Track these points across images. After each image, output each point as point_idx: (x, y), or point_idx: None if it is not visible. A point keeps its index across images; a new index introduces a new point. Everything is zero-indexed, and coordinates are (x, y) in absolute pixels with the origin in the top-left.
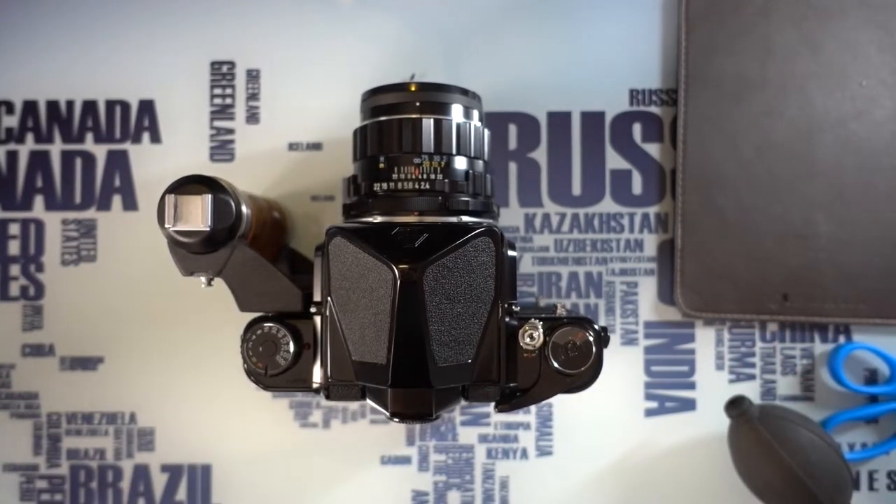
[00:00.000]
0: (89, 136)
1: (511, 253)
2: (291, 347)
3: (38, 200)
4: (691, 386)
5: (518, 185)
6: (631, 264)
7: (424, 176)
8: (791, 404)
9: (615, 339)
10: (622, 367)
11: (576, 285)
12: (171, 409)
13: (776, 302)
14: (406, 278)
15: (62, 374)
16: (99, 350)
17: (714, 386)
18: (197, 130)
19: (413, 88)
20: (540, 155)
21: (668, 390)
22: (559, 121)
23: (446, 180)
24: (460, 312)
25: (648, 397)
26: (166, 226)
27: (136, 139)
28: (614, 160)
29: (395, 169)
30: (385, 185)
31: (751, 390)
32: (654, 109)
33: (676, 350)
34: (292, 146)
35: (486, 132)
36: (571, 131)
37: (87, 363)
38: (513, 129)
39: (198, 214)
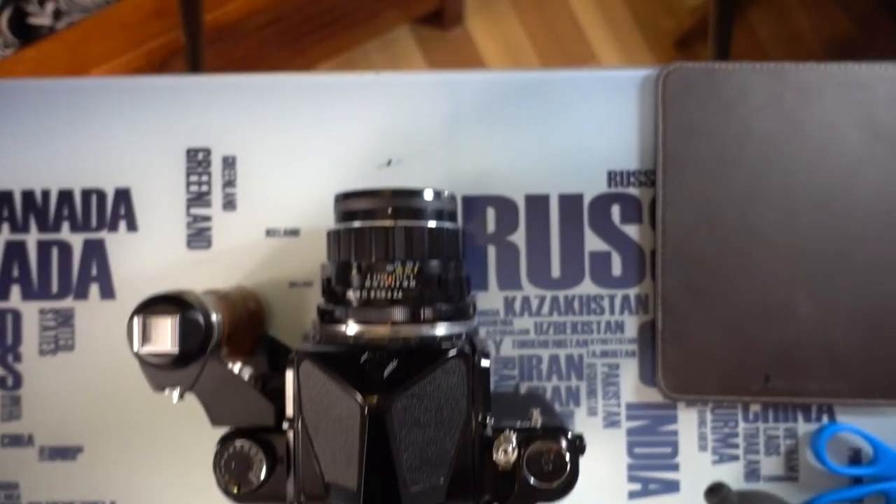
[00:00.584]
0: (65, 226)
1: (484, 363)
2: (264, 465)
3: (15, 290)
4: (675, 468)
5: (497, 269)
6: (612, 346)
7: (397, 283)
8: (775, 485)
9: (597, 421)
10: (605, 449)
11: (557, 368)
12: (151, 499)
13: (758, 383)
14: (374, 411)
15: (42, 464)
16: (78, 440)
17: (698, 467)
18: (173, 218)
19: (385, 194)
20: (519, 238)
21: (651, 472)
22: (537, 203)
23: (419, 287)
24: (431, 437)
25: (632, 479)
26: (135, 349)
27: (113, 228)
28: (593, 242)
29: (369, 276)
30: (358, 294)
31: (734, 471)
32: (632, 191)
33: (659, 431)
34: (270, 232)
35: (461, 230)
36: (550, 214)
37: (66, 453)
38: (491, 213)
39: (166, 336)
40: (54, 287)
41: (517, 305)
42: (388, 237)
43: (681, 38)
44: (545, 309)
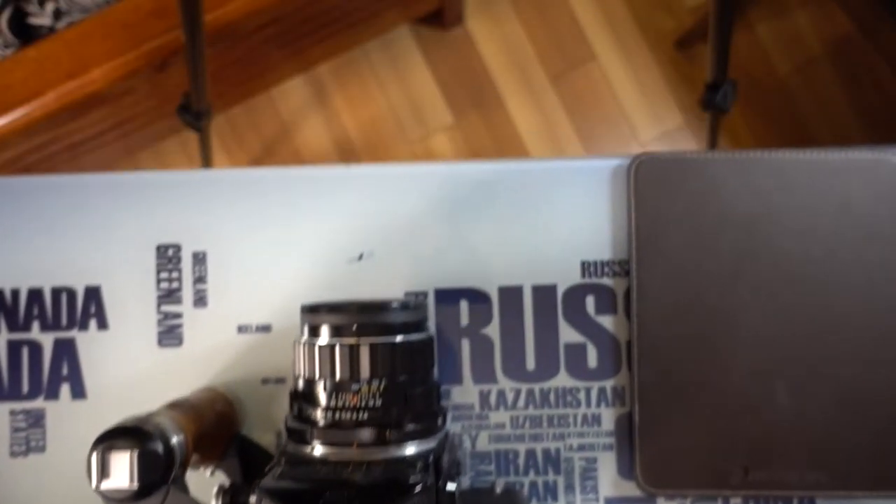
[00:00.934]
0: (35, 325)
1: (450, 487)
2: None
3: None
4: None
5: (471, 362)
6: (589, 440)
7: (363, 403)
8: None
9: None
10: None
11: (534, 462)
12: None
13: (738, 476)
14: None
15: None
16: None
17: None
18: (144, 315)
19: (351, 309)
20: (493, 330)
21: None
22: (511, 295)
23: (385, 406)
24: None
25: None
26: (93, 486)
27: (84, 326)
28: (568, 333)
29: (334, 395)
30: (324, 415)
31: None
32: (606, 281)
33: None
34: (241, 328)
35: (431, 337)
36: (523, 305)
37: None
38: (464, 305)
39: (125, 472)
40: (25, 387)
41: (492, 399)
42: (353, 355)
43: (681, 38)
44: (521, 402)
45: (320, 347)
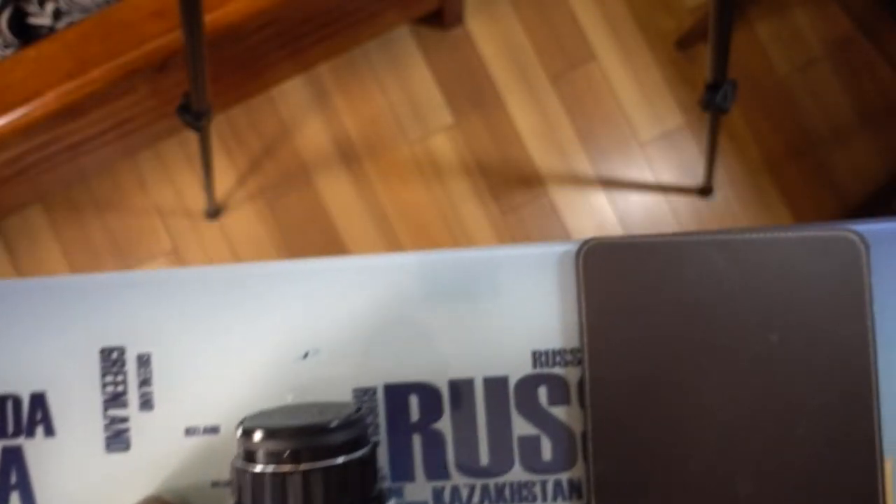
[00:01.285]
0: None
1: None
2: None
3: None
4: None
5: (424, 458)
6: None
7: None
8: None
9: None
10: None
11: None
12: None
13: None
14: None
15: None
16: None
17: None
18: (90, 421)
19: (284, 434)
20: (444, 425)
21: None
22: (462, 388)
23: None
24: None
25: None
26: None
27: (30, 433)
28: (521, 426)
29: None
30: None
31: None
32: (558, 371)
33: None
34: (189, 431)
35: (377, 444)
36: (475, 398)
37: None
38: (414, 401)
39: None
40: None
41: (446, 496)
42: (285, 484)
43: (681, 38)
44: (475, 498)
45: (253, 475)
